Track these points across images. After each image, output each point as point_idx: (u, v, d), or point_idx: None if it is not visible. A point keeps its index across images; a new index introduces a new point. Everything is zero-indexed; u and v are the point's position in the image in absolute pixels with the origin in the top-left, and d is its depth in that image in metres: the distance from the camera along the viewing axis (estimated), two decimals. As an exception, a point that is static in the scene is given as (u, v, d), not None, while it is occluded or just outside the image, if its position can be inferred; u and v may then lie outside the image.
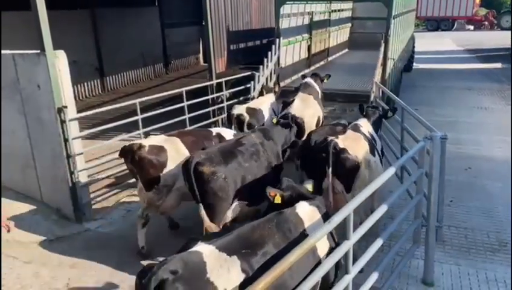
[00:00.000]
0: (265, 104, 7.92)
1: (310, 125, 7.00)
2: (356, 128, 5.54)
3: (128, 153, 5.43)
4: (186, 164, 4.80)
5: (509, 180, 7.76)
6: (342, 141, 5.00)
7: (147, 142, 5.50)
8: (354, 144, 5.10)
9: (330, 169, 4.76)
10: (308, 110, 7.20)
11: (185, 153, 5.46)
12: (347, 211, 3.23)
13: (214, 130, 6.20)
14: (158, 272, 2.86)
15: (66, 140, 6.29)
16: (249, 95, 9.09)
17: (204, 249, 3.12)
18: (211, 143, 5.74)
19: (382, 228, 5.35)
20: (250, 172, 5.01)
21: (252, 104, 7.91)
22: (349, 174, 4.82)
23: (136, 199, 7.40)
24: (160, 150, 5.42)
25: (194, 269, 2.97)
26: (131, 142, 5.62)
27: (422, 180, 4.82)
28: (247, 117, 7.47)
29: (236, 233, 3.31)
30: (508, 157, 8.91)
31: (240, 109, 7.61)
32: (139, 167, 5.35)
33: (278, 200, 3.87)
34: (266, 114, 7.71)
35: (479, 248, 5.76)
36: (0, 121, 7.08)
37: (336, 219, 3.11)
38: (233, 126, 7.48)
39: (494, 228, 6.21)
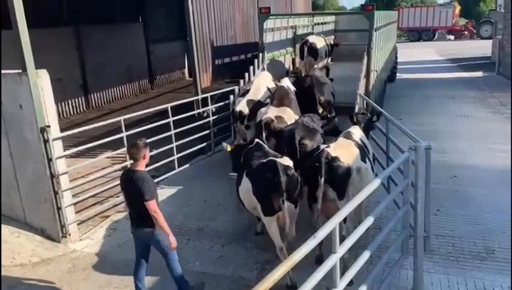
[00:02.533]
0: (261, 91, 8.43)
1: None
2: (348, 136, 5.72)
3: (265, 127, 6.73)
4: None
5: (494, 188, 7.88)
6: (333, 150, 5.18)
7: (272, 114, 7.00)
8: (346, 151, 5.26)
9: (322, 179, 4.88)
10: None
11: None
12: (332, 224, 3.22)
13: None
14: None
15: (49, 160, 6.21)
16: (230, 111, 9.10)
17: None
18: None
19: (370, 238, 5.35)
20: None
21: (250, 95, 8.38)
22: (341, 181, 5.00)
23: (122, 217, 7.33)
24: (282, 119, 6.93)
25: None
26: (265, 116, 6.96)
27: (408, 191, 4.85)
28: (247, 112, 8.09)
29: None
30: (492, 164, 9.05)
31: (241, 105, 8.22)
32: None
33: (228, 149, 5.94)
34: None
35: (467, 256, 5.80)
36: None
37: (321, 233, 3.10)
38: (238, 121, 8.20)
39: (480, 236, 6.26)
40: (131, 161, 4.78)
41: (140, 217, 4.66)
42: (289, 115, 7.26)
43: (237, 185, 5.61)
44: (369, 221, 3.98)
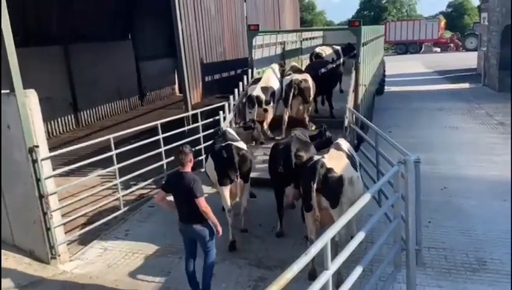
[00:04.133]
0: (272, 80, 9.65)
1: None
2: (338, 147, 5.90)
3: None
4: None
5: (484, 198, 7.96)
6: (327, 161, 5.37)
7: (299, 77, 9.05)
8: (338, 162, 5.46)
9: (315, 185, 5.15)
10: None
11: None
12: (324, 241, 3.21)
13: None
14: None
15: (38, 180, 6.14)
16: (220, 126, 9.11)
17: None
18: None
19: (363, 252, 5.34)
20: None
21: (262, 83, 9.49)
22: (334, 191, 5.23)
23: (113, 236, 7.25)
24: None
25: None
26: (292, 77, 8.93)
27: (399, 204, 4.87)
28: (263, 96, 9.20)
29: None
30: (482, 175, 9.15)
31: (257, 90, 9.23)
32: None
33: None
34: (276, 88, 9.53)
35: (459, 268, 5.81)
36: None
37: (313, 251, 3.09)
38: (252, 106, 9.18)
39: (472, 247, 6.28)
40: (179, 166, 5.31)
41: (190, 215, 5.20)
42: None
43: (205, 163, 7.14)
44: (360, 235, 3.98)
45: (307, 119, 9.34)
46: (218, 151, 6.58)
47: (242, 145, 6.84)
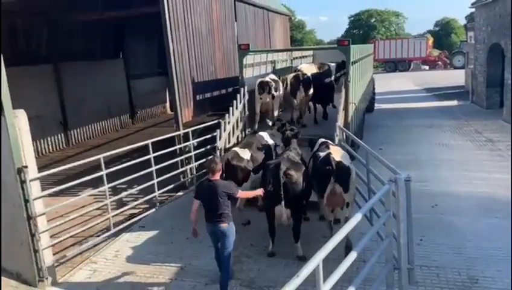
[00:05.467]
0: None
1: None
2: (331, 145, 7.23)
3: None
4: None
5: (475, 215, 8.00)
6: (335, 155, 6.49)
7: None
8: (341, 155, 6.66)
9: (333, 178, 6.23)
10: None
11: None
12: (315, 262, 3.19)
13: None
14: None
15: (26, 201, 6.04)
16: (216, 144, 9.10)
17: None
18: None
19: (355, 271, 5.31)
20: None
21: (271, 76, 11.31)
22: (346, 179, 6.38)
23: (103, 257, 7.13)
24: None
25: None
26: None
27: (390, 222, 4.87)
28: (273, 83, 10.82)
29: None
30: (472, 192, 9.20)
31: (267, 78, 10.95)
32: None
33: None
34: (280, 85, 11.25)
35: (451, 286, 5.79)
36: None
37: (305, 272, 3.06)
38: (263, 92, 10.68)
39: (464, 265, 6.28)
40: (210, 174, 5.81)
41: (218, 217, 5.70)
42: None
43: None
44: (353, 255, 3.96)
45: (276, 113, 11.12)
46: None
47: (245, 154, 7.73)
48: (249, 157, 7.74)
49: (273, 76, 11.53)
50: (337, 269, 3.69)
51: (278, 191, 6.26)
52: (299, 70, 12.14)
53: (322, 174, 6.40)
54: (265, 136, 8.60)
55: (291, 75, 11.57)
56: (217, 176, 5.79)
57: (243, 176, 7.58)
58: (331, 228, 6.82)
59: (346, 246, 6.26)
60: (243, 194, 6.22)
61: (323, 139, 7.63)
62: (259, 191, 6.36)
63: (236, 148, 7.93)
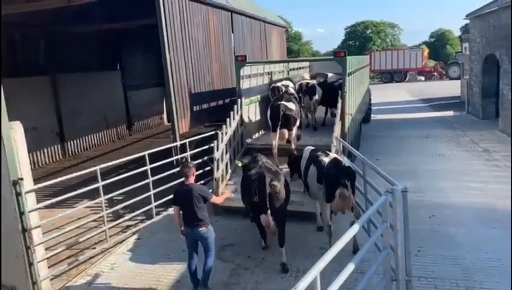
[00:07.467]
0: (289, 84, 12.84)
1: None
2: (327, 153, 7.33)
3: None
4: None
5: (472, 226, 7.98)
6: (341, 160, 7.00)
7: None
8: (346, 161, 7.18)
9: (348, 183, 6.51)
10: None
11: None
12: (313, 274, 3.17)
13: None
14: None
15: (21, 213, 6.01)
16: (214, 155, 9.09)
17: None
18: None
19: (353, 283, 5.27)
20: None
21: (283, 83, 12.96)
22: (354, 182, 6.69)
23: (98, 269, 7.07)
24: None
25: None
26: None
27: (387, 233, 4.85)
28: (284, 88, 12.11)
29: None
30: (469, 202, 9.18)
31: (279, 83, 12.70)
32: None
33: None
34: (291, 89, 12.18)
35: (450, 297, 5.76)
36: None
37: (302, 285, 3.04)
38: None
39: (462, 276, 6.25)
40: (184, 178, 6.10)
41: (195, 220, 5.90)
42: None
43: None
44: (351, 266, 3.93)
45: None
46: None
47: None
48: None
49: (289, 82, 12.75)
50: (335, 280, 3.67)
51: (264, 201, 6.35)
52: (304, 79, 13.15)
53: (333, 180, 6.62)
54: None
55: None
56: (191, 180, 6.02)
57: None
58: (331, 234, 6.84)
59: (354, 251, 6.46)
60: (216, 199, 6.49)
61: (311, 147, 7.91)
62: (229, 194, 7.24)
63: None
